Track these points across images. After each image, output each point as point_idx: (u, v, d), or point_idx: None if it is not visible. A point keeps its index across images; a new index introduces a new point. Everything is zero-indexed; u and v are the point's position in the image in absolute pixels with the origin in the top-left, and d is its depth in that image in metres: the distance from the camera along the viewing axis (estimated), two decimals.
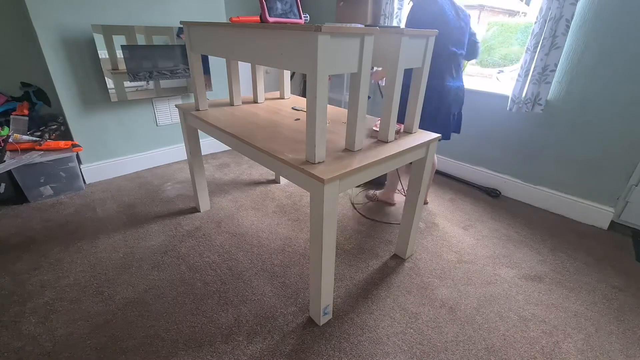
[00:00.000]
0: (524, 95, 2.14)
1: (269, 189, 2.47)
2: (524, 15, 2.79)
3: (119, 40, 2.22)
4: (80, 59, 2.21)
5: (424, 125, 1.86)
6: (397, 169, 2.12)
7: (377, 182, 2.54)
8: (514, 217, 2.21)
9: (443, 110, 1.86)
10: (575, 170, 2.15)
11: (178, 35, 2.46)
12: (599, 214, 2.12)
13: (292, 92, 3.93)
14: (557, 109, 2.12)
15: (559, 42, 1.92)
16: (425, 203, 2.34)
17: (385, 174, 2.27)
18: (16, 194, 2.16)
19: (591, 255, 1.87)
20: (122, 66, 2.28)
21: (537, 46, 2.00)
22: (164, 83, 2.52)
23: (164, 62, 2.46)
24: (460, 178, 2.72)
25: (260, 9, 1.19)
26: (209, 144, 3.06)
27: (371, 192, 2.39)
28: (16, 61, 2.35)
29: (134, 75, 2.35)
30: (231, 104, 1.93)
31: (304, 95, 3.85)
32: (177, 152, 2.89)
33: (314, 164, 1.14)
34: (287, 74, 2.12)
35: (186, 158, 2.54)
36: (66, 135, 2.37)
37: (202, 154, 2.23)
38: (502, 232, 2.05)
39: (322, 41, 0.94)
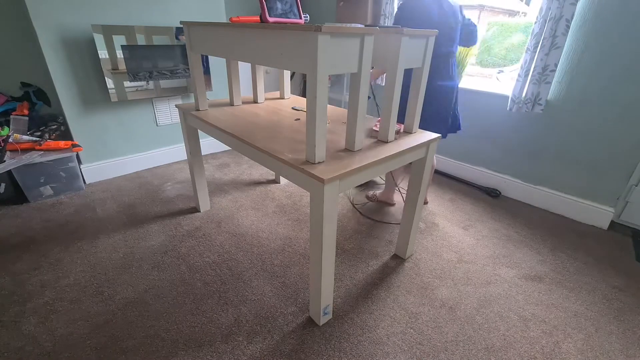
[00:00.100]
0: (524, 95, 2.14)
1: (269, 189, 2.47)
2: (524, 15, 2.79)
3: (119, 40, 2.22)
4: (80, 59, 2.21)
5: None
6: (390, 172, 2.12)
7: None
8: (514, 217, 2.21)
9: (430, 111, 1.85)
10: (575, 170, 2.16)
11: (177, 37, 2.46)
12: (599, 214, 2.12)
13: (292, 92, 3.93)
14: (557, 109, 2.12)
15: (559, 42, 1.92)
16: (425, 203, 2.34)
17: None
18: (16, 194, 2.16)
19: (591, 255, 1.87)
20: (122, 66, 2.28)
21: (537, 46, 2.00)
22: (164, 83, 2.52)
23: (164, 62, 2.46)
24: (460, 178, 2.72)
25: (260, 9, 1.19)
26: (209, 144, 3.06)
27: (371, 192, 2.39)
28: (16, 61, 2.35)
29: (134, 75, 2.35)
30: (231, 104, 1.93)
31: (304, 95, 3.85)
32: (177, 152, 2.89)
33: (314, 164, 1.14)
34: (287, 74, 2.12)
35: (186, 158, 2.54)
36: (66, 135, 2.37)
37: (202, 154, 2.23)
38: (502, 232, 2.05)
39: (322, 41, 0.94)
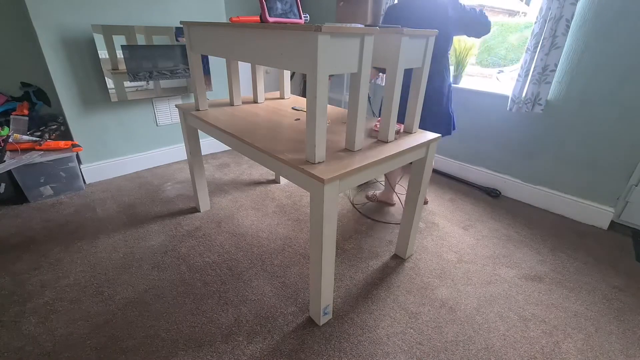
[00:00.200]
0: (524, 95, 2.14)
1: (269, 189, 2.47)
2: (524, 15, 2.79)
3: (119, 40, 2.22)
4: (80, 59, 2.21)
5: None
6: (386, 174, 2.12)
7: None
8: (514, 217, 2.21)
9: (423, 110, 1.83)
10: (575, 170, 2.15)
11: (177, 39, 2.46)
12: (599, 214, 2.11)
13: (292, 92, 3.93)
14: (557, 109, 2.12)
15: (559, 42, 1.92)
16: (425, 203, 2.34)
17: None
18: (16, 194, 2.16)
19: (591, 255, 1.87)
20: (122, 66, 2.28)
21: (537, 46, 2.00)
22: (164, 83, 2.52)
23: (164, 62, 2.46)
24: (460, 178, 2.72)
25: (260, 9, 1.19)
26: (209, 144, 3.06)
27: (371, 192, 2.39)
28: (16, 61, 2.35)
29: (134, 75, 2.35)
30: (231, 104, 1.93)
31: (304, 95, 3.85)
32: (177, 152, 2.89)
33: (314, 164, 1.14)
34: (287, 74, 2.12)
35: (186, 158, 2.54)
36: (66, 135, 2.37)
37: (202, 154, 2.23)
38: (502, 232, 2.05)
39: (322, 41, 0.94)
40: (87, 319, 1.38)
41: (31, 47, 2.36)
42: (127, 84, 2.33)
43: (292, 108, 1.90)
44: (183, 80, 2.62)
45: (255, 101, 2.01)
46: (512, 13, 2.91)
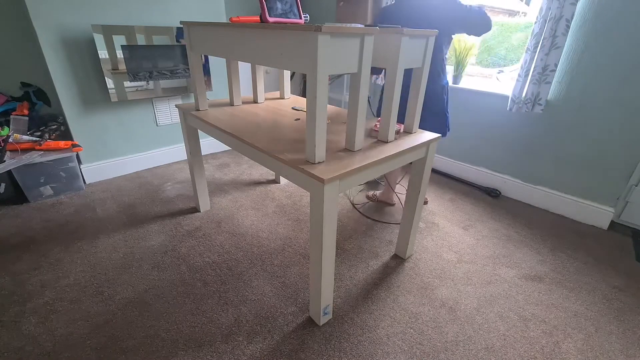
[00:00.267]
0: (524, 95, 2.14)
1: (269, 189, 2.47)
2: (524, 15, 2.79)
3: (119, 40, 2.22)
4: (80, 59, 2.21)
5: None
6: (385, 174, 2.12)
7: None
8: (514, 217, 2.21)
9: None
10: (575, 170, 2.15)
11: (177, 40, 2.46)
12: (599, 214, 2.11)
13: (292, 92, 3.93)
14: (557, 109, 2.12)
15: (559, 42, 1.92)
16: (425, 203, 2.34)
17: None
18: (16, 194, 2.16)
19: (591, 255, 1.87)
20: (122, 66, 2.28)
21: (537, 46, 2.00)
22: (164, 83, 2.52)
23: (164, 62, 2.46)
24: (460, 178, 2.72)
25: (260, 9, 1.19)
26: (209, 144, 3.06)
27: (371, 192, 2.39)
28: (16, 61, 2.35)
29: (134, 75, 2.35)
30: (231, 104, 1.93)
31: (304, 95, 3.85)
32: (177, 152, 2.89)
33: (314, 164, 1.14)
34: (287, 74, 2.12)
35: (186, 158, 2.54)
36: (66, 135, 2.37)
37: (202, 154, 2.23)
38: (502, 232, 2.05)
39: (322, 41, 0.94)
40: (87, 319, 1.38)
41: (31, 47, 2.35)
42: (127, 84, 2.33)
43: (292, 108, 1.90)
44: (183, 80, 2.62)
45: (255, 101, 2.01)
46: (512, 13, 2.91)
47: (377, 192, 2.36)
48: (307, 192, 2.42)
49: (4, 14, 2.23)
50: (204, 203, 2.15)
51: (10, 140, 2.09)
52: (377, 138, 1.40)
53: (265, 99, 2.10)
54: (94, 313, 1.41)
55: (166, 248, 1.81)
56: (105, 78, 2.24)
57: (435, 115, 1.89)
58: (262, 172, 2.75)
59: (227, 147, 3.23)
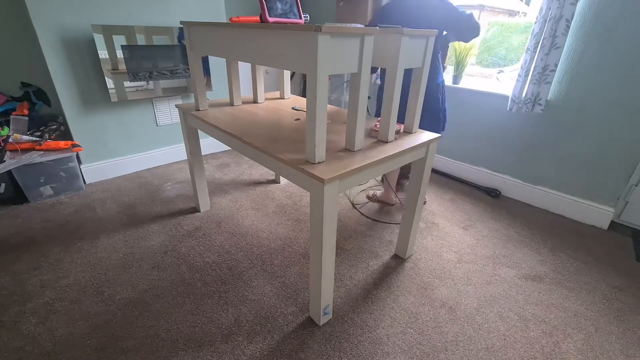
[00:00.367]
0: (524, 95, 2.14)
1: (269, 189, 2.47)
2: (524, 15, 2.79)
3: (119, 40, 2.22)
4: (80, 59, 2.21)
5: None
6: (384, 175, 2.11)
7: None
8: (514, 217, 2.21)
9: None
10: (575, 170, 2.15)
11: (179, 41, 2.46)
12: (599, 214, 2.11)
13: (292, 92, 3.93)
14: (557, 109, 2.12)
15: (559, 42, 1.92)
16: (424, 203, 2.34)
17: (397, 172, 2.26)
18: (16, 194, 2.16)
19: (591, 255, 1.87)
20: (122, 66, 2.28)
21: (537, 46, 2.00)
22: (164, 83, 2.52)
23: (164, 62, 2.47)
24: (460, 178, 2.72)
25: (260, 9, 1.19)
26: (209, 144, 3.06)
27: (371, 192, 2.39)
28: (16, 61, 2.35)
29: (134, 75, 2.35)
30: (231, 104, 1.93)
31: (304, 95, 3.85)
32: (177, 152, 2.89)
33: (314, 164, 1.14)
34: (287, 74, 2.12)
35: (186, 158, 2.54)
36: (66, 135, 2.37)
37: (202, 154, 2.23)
38: (502, 232, 2.05)
39: (322, 41, 0.94)
40: (87, 319, 1.38)
41: (31, 47, 2.36)
42: (127, 84, 2.33)
43: (292, 108, 1.90)
44: (183, 80, 2.62)
45: (255, 101, 2.01)
46: (512, 13, 2.91)
47: (377, 192, 2.36)
48: (307, 192, 2.42)
49: (4, 14, 2.23)
50: (204, 203, 2.15)
51: (10, 140, 2.09)
52: (377, 138, 1.40)
53: (265, 99, 2.10)
54: (94, 313, 1.41)
55: (166, 248, 1.81)
56: (105, 78, 2.24)
57: (430, 112, 1.90)
58: (262, 172, 2.75)
59: (227, 147, 3.24)
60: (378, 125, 1.44)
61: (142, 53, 2.34)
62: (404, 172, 2.48)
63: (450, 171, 2.79)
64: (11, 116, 2.22)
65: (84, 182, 2.44)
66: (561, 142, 2.16)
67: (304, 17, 1.34)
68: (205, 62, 2.70)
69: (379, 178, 2.68)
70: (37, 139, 2.17)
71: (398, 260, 1.77)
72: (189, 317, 1.40)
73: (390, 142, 1.37)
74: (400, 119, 1.59)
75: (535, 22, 1.98)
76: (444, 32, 1.86)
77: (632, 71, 1.82)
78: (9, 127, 2.19)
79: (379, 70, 2.50)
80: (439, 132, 1.90)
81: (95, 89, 2.32)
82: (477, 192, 2.55)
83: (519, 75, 2.12)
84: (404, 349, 1.29)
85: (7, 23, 2.26)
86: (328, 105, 1.56)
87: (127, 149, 2.61)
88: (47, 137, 2.24)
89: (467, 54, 2.55)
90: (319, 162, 1.14)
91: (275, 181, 2.59)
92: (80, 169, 2.37)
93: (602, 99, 1.95)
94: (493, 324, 1.41)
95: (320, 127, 1.08)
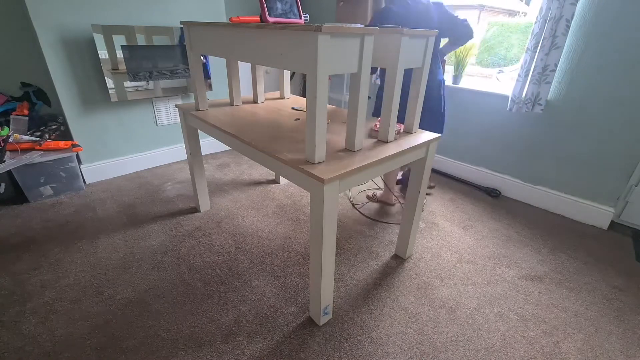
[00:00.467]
0: (524, 95, 2.14)
1: (269, 189, 2.47)
2: (524, 15, 2.79)
3: (119, 40, 2.22)
4: (80, 59, 2.21)
5: None
6: (384, 175, 2.11)
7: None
8: (514, 217, 2.21)
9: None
10: (575, 170, 2.15)
11: (180, 41, 2.46)
12: (599, 214, 2.11)
13: (292, 92, 3.93)
14: (557, 109, 2.12)
15: (559, 42, 1.92)
16: (432, 187, 2.35)
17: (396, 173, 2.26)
18: (16, 194, 2.17)
19: (591, 255, 1.87)
20: (122, 66, 2.28)
21: (537, 46, 2.00)
22: (164, 83, 2.52)
23: (164, 62, 2.47)
24: (460, 178, 2.72)
25: (260, 9, 1.19)
26: (209, 144, 3.06)
27: (371, 192, 2.39)
28: (16, 61, 2.35)
29: (134, 75, 2.35)
30: (231, 104, 1.93)
31: (304, 95, 3.85)
32: (177, 152, 2.89)
33: (314, 164, 1.14)
34: (287, 74, 2.12)
35: (186, 158, 2.54)
36: (66, 135, 2.37)
37: (202, 154, 2.23)
38: (502, 232, 2.05)
39: (322, 41, 0.94)
40: (87, 319, 1.38)
41: (31, 47, 2.36)
42: (127, 84, 2.33)
43: (292, 108, 1.90)
44: (183, 80, 2.62)
45: (255, 101, 2.01)
46: (512, 13, 2.91)
47: (377, 192, 2.36)
48: (307, 192, 2.42)
49: (4, 14, 2.23)
50: (204, 203, 2.15)
51: (10, 140, 2.09)
52: (377, 138, 1.40)
53: (265, 99, 2.10)
54: (94, 313, 1.41)
55: (166, 248, 1.81)
56: (105, 78, 2.24)
57: (430, 113, 1.91)
58: (262, 172, 2.75)
59: (227, 147, 3.24)
60: (378, 125, 1.44)
61: (142, 53, 2.34)
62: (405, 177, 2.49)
63: (450, 171, 2.79)
64: (11, 116, 2.22)
65: (84, 182, 2.44)
66: (561, 142, 2.16)
67: (304, 17, 1.34)
68: (205, 62, 2.70)
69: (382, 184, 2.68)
70: (37, 139, 2.17)
71: (398, 260, 1.77)
72: (189, 317, 1.40)
73: (390, 142, 1.37)
74: (400, 119, 1.60)
75: (535, 22, 1.98)
76: (440, 42, 1.90)
77: (632, 71, 1.82)
78: (9, 127, 2.19)
79: (378, 70, 2.50)
80: (435, 130, 1.92)
81: (95, 89, 2.32)
82: (477, 192, 2.55)
83: (519, 75, 2.12)
84: (404, 349, 1.29)
85: (7, 23, 2.26)
86: (328, 105, 1.56)
87: (127, 149, 2.61)
88: (47, 137, 2.24)
89: (467, 54, 2.55)
90: (319, 162, 1.14)
91: (275, 181, 2.59)
92: (80, 169, 2.37)
93: (602, 99, 1.95)
94: (493, 324, 1.41)
95: (320, 127, 1.08)
